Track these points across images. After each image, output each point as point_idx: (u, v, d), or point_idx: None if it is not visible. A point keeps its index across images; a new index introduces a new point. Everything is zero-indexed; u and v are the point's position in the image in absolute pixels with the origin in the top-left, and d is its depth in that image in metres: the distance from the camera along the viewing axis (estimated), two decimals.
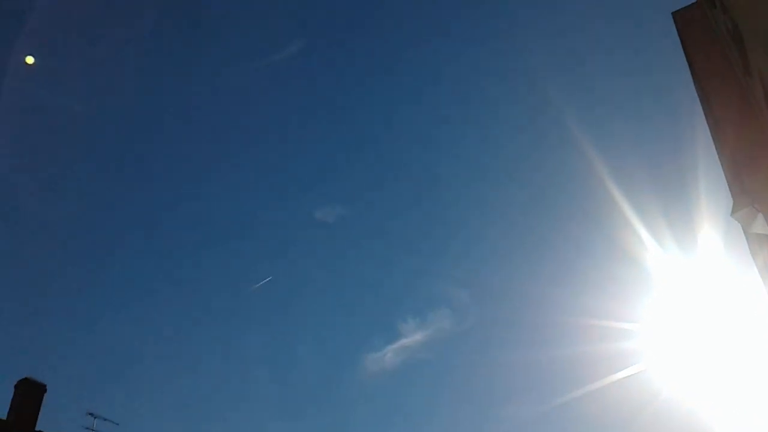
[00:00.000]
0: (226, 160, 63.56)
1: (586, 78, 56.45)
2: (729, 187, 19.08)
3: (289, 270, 64.95)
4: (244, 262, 66.67)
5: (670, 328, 39.58)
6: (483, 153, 65.68)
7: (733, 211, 14.84)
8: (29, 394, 19.32)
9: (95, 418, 21.66)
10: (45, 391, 19.78)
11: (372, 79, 65.36)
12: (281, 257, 69.69)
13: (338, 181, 69.70)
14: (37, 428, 18.79)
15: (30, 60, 38.05)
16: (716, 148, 19.93)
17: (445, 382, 77.06)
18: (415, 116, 65.32)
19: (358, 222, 69.76)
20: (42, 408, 19.51)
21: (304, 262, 69.50)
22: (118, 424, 22.15)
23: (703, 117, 19.99)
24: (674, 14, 17.36)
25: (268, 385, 60.85)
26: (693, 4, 17.10)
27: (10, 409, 19.04)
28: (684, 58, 18.05)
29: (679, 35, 17.46)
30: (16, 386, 19.57)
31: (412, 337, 70.19)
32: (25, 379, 19.56)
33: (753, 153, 14.41)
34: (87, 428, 21.45)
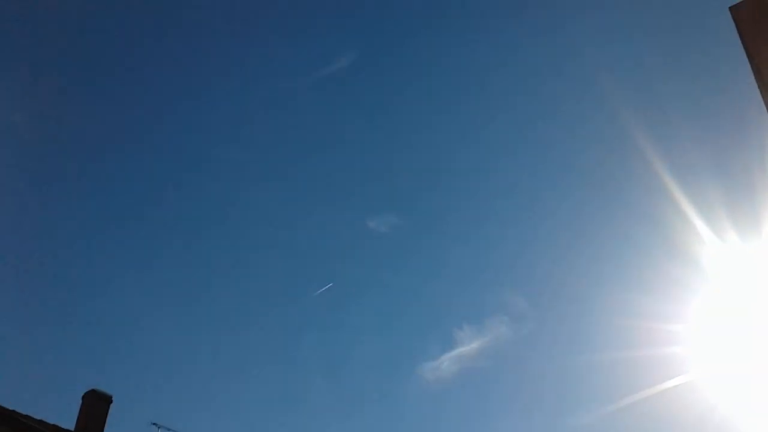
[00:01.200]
0: (281, 172, 64.68)
1: (641, 72, 54.87)
2: None
3: (343, 279, 65.41)
4: (300, 270, 67.61)
5: (725, 328, 34.48)
6: (537, 153, 64.49)
7: None
8: (96, 406, 19.95)
9: (159, 428, 22.24)
10: (111, 402, 20.39)
11: (422, 86, 65.46)
12: (337, 265, 70.24)
13: (391, 190, 69.90)
14: None
15: None
16: None
17: (502, 390, 76.07)
18: (463, 117, 65.04)
19: (410, 230, 69.44)
20: (108, 419, 20.15)
21: (359, 271, 69.74)
22: None
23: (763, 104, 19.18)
24: (731, 8, 16.77)
25: (325, 394, 61.41)
26: None
27: (77, 421, 19.70)
28: (743, 50, 17.39)
29: (737, 27, 16.84)
30: (83, 398, 20.22)
31: (469, 345, 69.43)
32: (92, 390, 20.21)
33: None
34: None
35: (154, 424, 22.25)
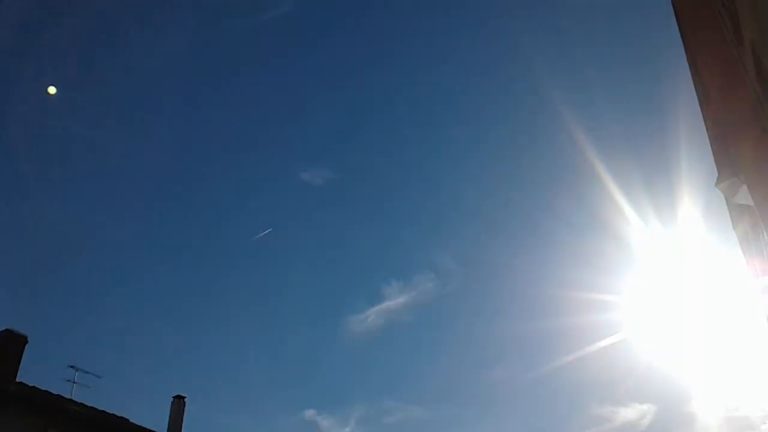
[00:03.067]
0: (219, 125, 63.33)
1: (571, 57, 56.43)
2: (714, 159, 19.18)
3: (277, 229, 65.15)
4: (231, 216, 66.78)
5: (651, 298, 41.23)
6: (474, 131, 65.77)
7: (718, 182, 14.94)
8: (10, 346, 19.26)
9: (77, 371, 21.72)
10: (26, 342, 19.71)
11: (372, 48, 64.78)
12: (271, 215, 69.82)
13: (328, 144, 69.43)
14: (17, 380, 18.78)
15: (52, 90, 39.30)
16: (704, 120, 19.99)
17: (428, 345, 78.24)
18: (414, 89, 65.02)
19: (345, 186, 69.69)
20: (23, 360, 19.47)
21: (290, 222, 69.60)
22: (100, 377, 22.25)
23: (691, 91, 20.00)
24: None
25: (251, 338, 61.48)
26: None
27: None
28: (677, 31, 17.96)
29: (674, 6, 17.34)
30: None
31: (396, 299, 70.84)
32: (6, 330, 19.47)
33: (740, 125, 14.45)
34: (68, 380, 21.53)
35: (71, 366, 21.71)
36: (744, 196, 14.85)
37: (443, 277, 73.86)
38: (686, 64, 19.82)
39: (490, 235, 71.12)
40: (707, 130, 19.46)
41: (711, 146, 19.77)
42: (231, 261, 66.38)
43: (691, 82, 19.54)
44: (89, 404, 19.87)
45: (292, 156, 68.47)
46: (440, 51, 61.63)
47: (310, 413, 70.18)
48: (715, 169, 16.69)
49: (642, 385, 58.15)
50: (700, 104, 19.50)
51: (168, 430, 22.69)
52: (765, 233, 13.34)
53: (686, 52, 18.62)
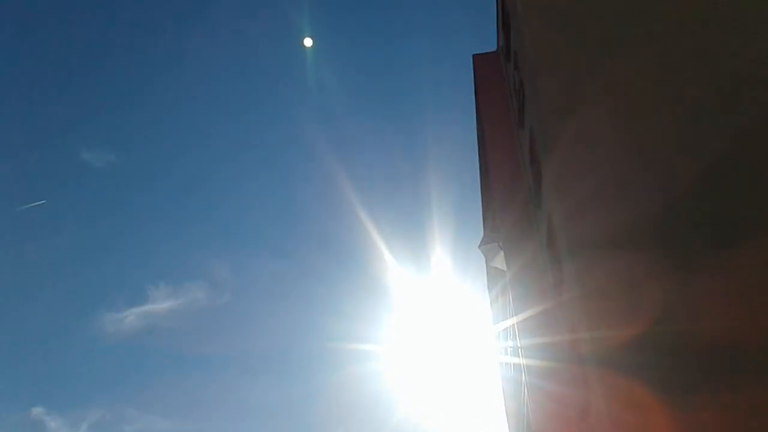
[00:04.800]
0: None
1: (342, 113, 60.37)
2: (483, 224, 21.18)
3: (52, 206, 58.60)
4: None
5: (409, 345, 46.64)
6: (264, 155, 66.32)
7: (481, 244, 16.52)
8: None
9: None
10: None
11: (160, 27, 62.01)
12: (38, 190, 62.56)
13: (112, 125, 64.51)
14: None
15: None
16: (480, 188, 22.05)
17: (186, 355, 74.63)
18: (200, 77, 63.33)
19: (127, 173, 65.03)
20: None
21: (61, 202, 63.02)
22: None
23: (476, 160, 22.00)
24: (474, 57, 18.92)
25: None
26: (494, 51, 18.82)
27: None
28: (473, 98, 19.67)
29: (474, 76, 19.04)
30: None
31: (161, 304, 66.81)
32: None
33: (509, 199, 16.18)
34: None
35: None
36: (500, 262, 16.59)
37: (216, 288, 71.66)
38: (468, 129, 21.79)
39: (268, 258, 70.94)
40: (481, 194, 21.46)
41: (482, 213, 21.87)
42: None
43: (475, 146, 21.45)
44: None
45: (72, 135, 62.70)
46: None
47: (37, 411, 62.75)
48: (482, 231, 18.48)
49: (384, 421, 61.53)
50: (481, 174, 21.52)
51: None
52: (510, 294, 14.93)
53: (477, 126, 20.45)
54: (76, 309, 67.37)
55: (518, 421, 17.80)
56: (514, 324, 14.41)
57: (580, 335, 9.52)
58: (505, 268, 16.62)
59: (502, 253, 16.22)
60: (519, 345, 14.06)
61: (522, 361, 14.05)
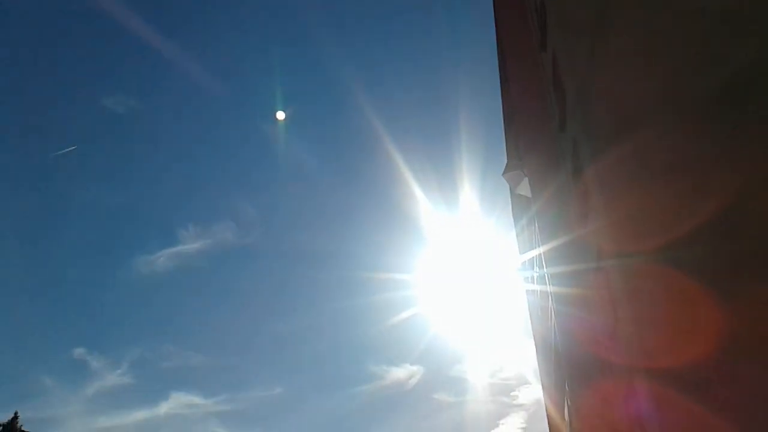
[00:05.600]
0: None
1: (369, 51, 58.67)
2: (506, 152, 20.88)
3: (73, 154, 59.27)
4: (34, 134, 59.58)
5: (439, 275, 49.06)
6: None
7: (505, 172, 16.33)
8: None
9: None
10: None
11: None
12: (70, 138, 63.14)
13: (131, 71, 64.10)
14: None
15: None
16: (503, 115, 21.63)
17: (218, 293, 76.75)
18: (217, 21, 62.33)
19: (150, 118, 65.15)
20: None
21: (90, 146, 63.64)
22: None
23: (490, 83, 21.48)
24: None
25: (15, 264, 55.48)
26: None
27: None
28: (492, 27, 19.02)
29: (494, 4, 18.34)
30: None
31: (191, 244, 68.24)
32: None
33: (532, 125, 15.86)
34: None
35: None
36: (525, 189, 16.42)
37: (243, 228, 72.72)
38: (488, 56, 21.22)
39: (294, 195, 71.47)
40: (504, 121, 21.05)
41: (505, 140, 21.51)
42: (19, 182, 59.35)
43: (497, 72, 20.89)
44: None
45: (93, 80, 62.50)
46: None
47: (79, 352, 65.59)
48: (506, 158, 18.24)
49: (415, 348, 63.25)
50: (503, 102, 21.04)
51: None
52: (536, 224, 14.86)
53: (498, 53, 19.85)
54: (110, 252, 69.17)
55: (545, 344, 18.07)
56: (540, 253, 14.40)
57: (608, 263, 9.47)
58: (530, 195, 16.48)
59: (526, 180, 16.04)
60: (546, 273, 14.08)
61: (549, 288, 14.12)
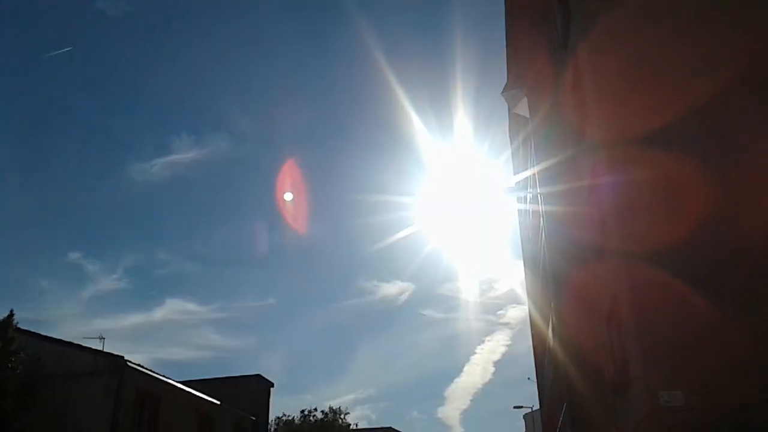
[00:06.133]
0: None
1: None
2: (507, 71, 20.55)
3: (64, 56, 57.84)
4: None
5: (437, 197, 49.64)
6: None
7: (504, 90, 16.16)
8: None
9: None
10: None
11: None
12: (63, 39, 61.53)
13: None
14: None
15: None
16: (506, 33, 21.11)
17: (213, 204, 77.18)
18: None
19: (144, 20, 63.33)
20: None
21: (83, 48, 62.14)
22: None
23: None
24: None
25: (7, 164, 55.49)
26: None
27: None
28: None
29: None
30: None
31: (185, 153, 67.97)
32: None
33: (535, 44, 15.54)
34: None
35: None
36: (524, 108, 16.30)
37: (238, 138, 72.21)
38: None
39: (290, 107, 70.59)
40: (506, 42, 20.60)
41: (507, 60, 21.13)
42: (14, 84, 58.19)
43: None
44: None
45: None
46: None
47: (74, 256, 66.53)
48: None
49: (408, 267, 64.59)
50: (506, 15, 20.47)
51: None
52: (532, 143, 14.86)
53: None
54: (104, 158, 68.82)
55: (534, 263, 18.47)
56: (535, 173, 14.47)
57: (601, 179, 9.57)
58: (528, 115, 16.39)
59: (525, 99, 15.89)
60: (539, 192, 14.21)
61: (541, 207, 14.29)
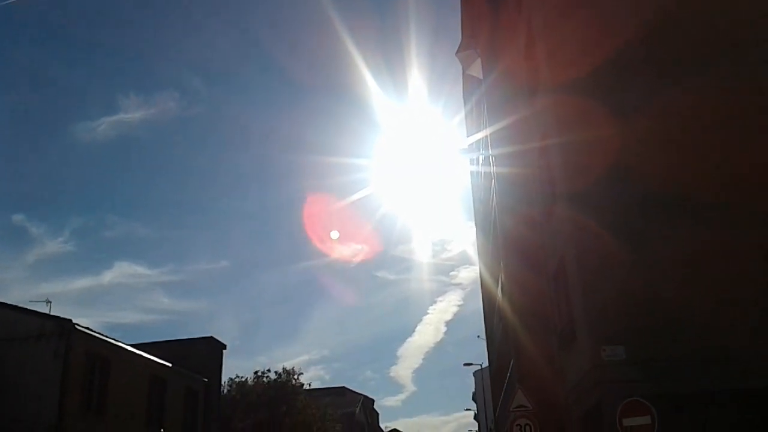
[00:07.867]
0: None
1: None
2: (462, 30, 20.46)
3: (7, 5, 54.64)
4: None
5: (392, 159, 49.63)
6: None
7: (458, 51, 16.12)
8: None
9: None
10: None
11: None
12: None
13: None
14: None
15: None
16: None
17: (163, 165, 75.27)
18: None
19: None
20: None
21: (26, 7, 58.88)
22: None
23: None
24: None
25: None
26: None
27: None
28: None
29: None
30: None
31: (133, 113, 65.77)
32: None
33: (489, 5, 15.48)
34: None
35: None
36: (477, 69, 16.33)
37: (188, 98, 70.25)
38: None
39: (242, 68, 68.82)
40: (461, 2, 20.46)
41: (462, 18, 21.03)
42: None
43: None
44: None
45: None
46: None
47: (18, 218, 64.19)
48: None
49: (384, 226, 64.70)
50: None
51: None
52: (485, 104, 14.93)
53: None
54: (49, 114, 66.00)
55: (486, 224, 18.77)
56: (487, 134, 14.59)
57: (551, 141, 9.72)
58: (481, 77, 16.43)
59: (479, 60, 15.92)
60: (491, 154, 14.36)
61: (493, 169, 14.46)
